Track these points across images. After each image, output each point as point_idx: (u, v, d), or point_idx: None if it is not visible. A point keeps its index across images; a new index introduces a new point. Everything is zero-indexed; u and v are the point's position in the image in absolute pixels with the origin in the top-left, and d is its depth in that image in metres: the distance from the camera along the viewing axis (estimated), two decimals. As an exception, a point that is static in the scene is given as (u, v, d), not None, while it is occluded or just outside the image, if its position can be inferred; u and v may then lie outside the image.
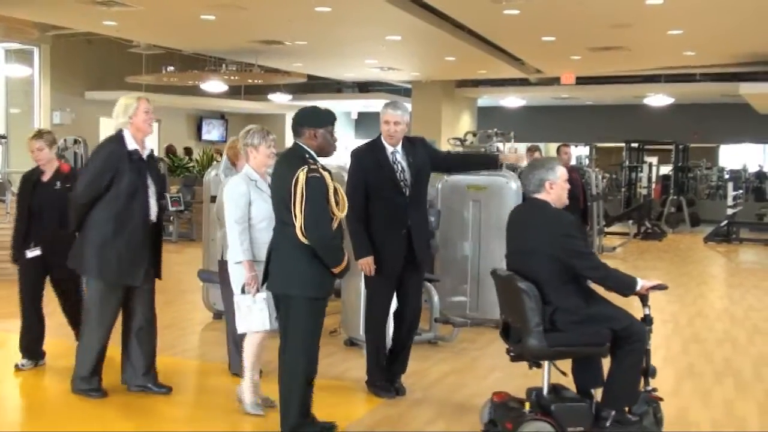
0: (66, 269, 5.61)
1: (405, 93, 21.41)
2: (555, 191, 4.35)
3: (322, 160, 4.28)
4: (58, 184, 5.66)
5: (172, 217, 13.26)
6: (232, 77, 17.06)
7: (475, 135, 13.89)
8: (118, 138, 5.00)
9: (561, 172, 4.37)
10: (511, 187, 7.19)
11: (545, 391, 4.33)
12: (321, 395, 4.39)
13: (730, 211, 16.41)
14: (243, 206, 4.73)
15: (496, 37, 13.91)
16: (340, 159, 6.03)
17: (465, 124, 21.38)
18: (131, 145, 4.99)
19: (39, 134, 5.70)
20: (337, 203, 4.13)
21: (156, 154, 5.73)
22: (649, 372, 4.35)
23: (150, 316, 5.22)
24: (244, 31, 13.21)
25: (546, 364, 4.31)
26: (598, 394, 4.38)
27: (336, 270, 4.18)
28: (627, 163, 19.34)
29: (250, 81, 17.71)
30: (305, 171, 4.06)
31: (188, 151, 20.09)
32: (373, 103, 22.10)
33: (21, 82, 16.96)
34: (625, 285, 4.26)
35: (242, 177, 4.84)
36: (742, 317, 8.34)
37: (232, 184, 4.84)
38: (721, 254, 14.71)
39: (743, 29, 12.30)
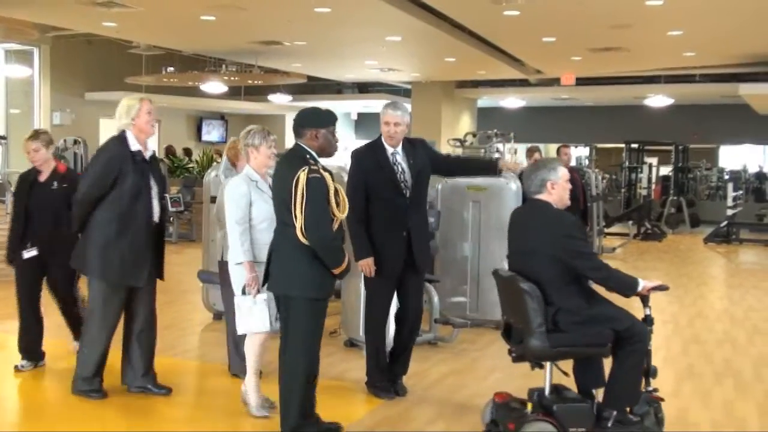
0: (62, 269, 5.62)
1: (405, 94, 21.42)
2: (557, 192, 4.35)
3: (323, 161, 4.28)
4: (55, 184, 5.65)
5: (171, 218, 13.26)
6: (232, 78, 17.06)
7: (474, 136, 13.90)
8: (121, 139, 5.00)
9: (562, 173, 4.38)
10: (511, 188, 7.18)
11: (547, 392, 4.33)
12: (321, 396, 4.39)
13: (730, 212, 16.41)
14: (244, 207, 4.72)
15: (496, 38, 13.92)
16: (340, 160, 6.03)
17: (465, 124, 21.39)
18: (134, 146, 4.99)
19: (35, 135, 5.67)
20: (337, 204, 4.13)
21: (157, 155, 5.72)
22: (650, 372, 4.35)
23: (150, 318, 5.23)
24: (244, 32, 13.22)
25: (548, 364, 4.32)
26: (599, 394, 4.39)
27: (336, 271, 4.17)
28: (627, 163, 19.34)
29: (249, 82, 17.72)
30: (306, 172, 4.06)
31: (187, 151, 20.09)
32: (373, 104, 22.11)
33: (21, 83, 16.98)
34: (626, 285, 4.26)
35: (243, 178, 4.84)
36: (742, 318, 8.34)
37: (233, 185, 4.84)
38: (721, 255, 14.71)
39: (743, 30, 12.31)
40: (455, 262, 7.38)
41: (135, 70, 17.15)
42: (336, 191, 4.13)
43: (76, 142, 13.43)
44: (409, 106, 18.17)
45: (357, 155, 5.25)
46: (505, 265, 4.60)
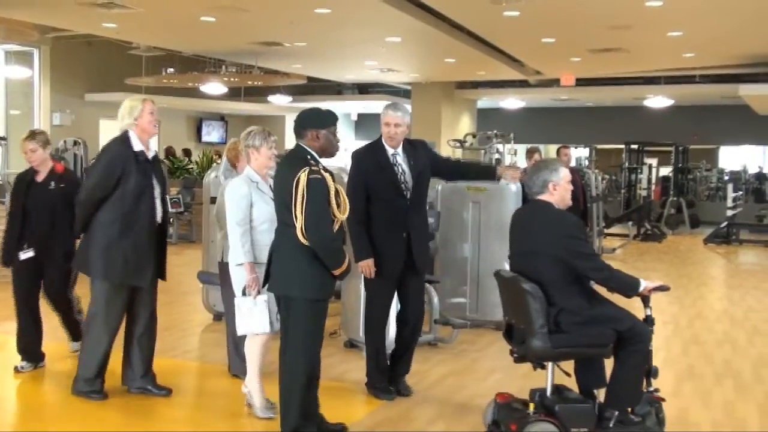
0: (57, 271, 5.63)
1: (405, 94, 21.42)
2: (558, 192, 4.35)
3: (325, 162, 4.28)
4: (53, 184, 5.64)
5: (171, 219, 13.27)
6: (232, 79, 17.07)
7: (474, 136, 13.93)
8: (124, 139, 5.00)
9: (564, 174, 4.38)
10: (511, 188, 7.18)
11: (549, 392, 4.33)
12: (321, 397, 4.39)
13: (729, 213, 16.42)
14: (244, 208, 4.72)
15: (495, 39, 13.92)
16: (340, 160, 6.02)
17: (465, 125, 21.39)
18: (137, 146, 5.00)
19: (32, 135, 5.65)
20: (338, 205, 4.12)
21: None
22: (651, 373, 4.36)
23: (151, 320, 5.23)
24: (244, 33, 13.22)
25: (550, 365, 4.32)
26: (600, 394, 4.39)
27: (337, 272, 4.17)
28: (627, 164, 19.35)
29: (249, 83, 17.72)
30: (306, 172, 4.06)
31: (187, 152, 20.09)
32: (373, 105, 22.12)
33: (21, 84, 16.99)
34: (628, 286, 4.27)
35: (243, 179, 4.83)
36: (742, 318, 8.34)
37: (234, 186, 4.83)
38: (721, 256, 14.71)
39: (743, 31, 12.32)
40: (455, 263, 7.38)
41: (135, 71, 17.16)
42: (337, 192, 4.13)
43: (76, 143, 13.42)
44: (409, 107, 18.17)
45: (357, 156, 5.25)
46: (506, 266, 4.60)
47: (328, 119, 4.29)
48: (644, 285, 4.26)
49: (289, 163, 4.20)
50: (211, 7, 10.96)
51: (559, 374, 4.41)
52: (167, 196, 5.30)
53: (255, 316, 4.64)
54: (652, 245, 15.60)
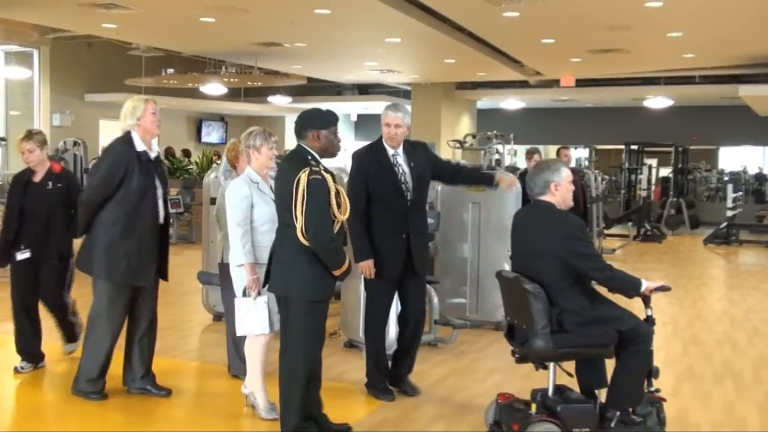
0: (53, 273, 5.63)
1: (405, 95, 21.42)
2: (560, 193, 4.35)
3: (326, 162, 4.27)
4: (50, 184, 5.63)
5: (171, 219, 13.26)
6: (232, 79, 17.06)
7: (474, 137, 13.90)
8: (126, 139, 5.00)
9: (566, 174, 4.38)
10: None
11: (550, 393, 4.34)
12: (321, 397, 4.39)
13: (729, 213, 16.42)
14: (245, 209, 4.71)
15: (495, 40, 13.92)
16: (340, 161, 6.02)
17: (465, 126, 21.39)
18: (140, 146, 5.00)
19: (29, 135, 5.62)
20: (338, 205, 4.12)
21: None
22: (652, 373, 4.36)
23: (151, 320, 5.23)
24: (244, 33, 13.22)
25: (551, 365, 4.32)
26: (601, 394, 4.39)
27: (337, 273, 4.17)
28: (626, 165, 19.33)
29: (249, 83, 17.72)
30: (307, 173, 4.05)
31: (186, 152, 20.09)
32: (373, 105, 22.12)
33: (21, 85, 16.98)
34: (630, 286, 4.27)
35: (244, 179, 4.83)
36: (742, 319, 8.34)
37: (234, 187, 4.82)
38: (721, 256, 14.71)
39: (743, 31, 12.32)
40: (455, 264, 7.37)
41: (135, 71, 17.16)
42: (337, 192, 4.13)
43: (75, 143, 13.43)
44: (409, 108, 18.18)
45: (358, 156, 5.25)
46: (506, 266, 4.60)
47: (329, 119, 4.29)
48: (646, 285, 4.26)
49: (290, 164, 4.20)
50: (210, 8, 10.95)
51: (560, 374, 4.41)
52: (167, 197, 5.30)
53: (254, 317, 4.64)
54: (652, 246, 15.61)
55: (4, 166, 13.00)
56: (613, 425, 4.23)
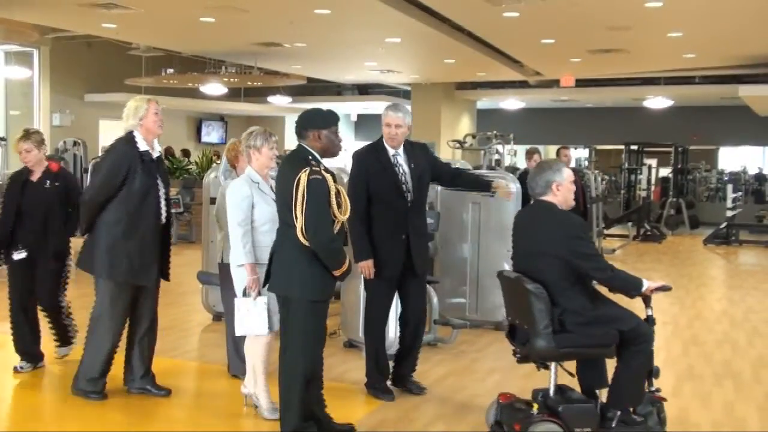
0: (48, 274, 5.61)
1: (404, 95, 21.42)
2: (561, 193, 4.35)
3: (327, 162, 4.27)
4: (48, 183, 5.62)
5: (171, 220, 13.27)
6: (232, 79, 17.07)
7: (474, 137, 13.90)
8: (129, 139, 5.00)
9: (567, 174, 4.38)
10: (511, 189, 7.16)
11: (552, 392, 4.34)
12: (321, 397, 4.40)
13: (729, 214, 16.42)
14: (245, 209, 4.71)
15: (495, 40, 13.92)
16: (340, 161, 6.03)
17: (464, 126, 21.39)
18: (142, 146, 5.00)
19: (26, 135, 5.61)
20: (339, 205, 4.12)
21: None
22: (653, 373, 4.36)
23: (152, 321, 5.23)
24: (244, 34, 13.22)
25: (553, 365, 4.32)
26: (602, 394, 4.39)
27: (337, 273, 4.17)
28: (626, 165, 19.34)
29: (249, 83, 17.72)
30: (307, 173, 4.05)
31: (186, 152, 20.09)
32: (373, 105, 22.12)
33: (21, 84, 16.98)
34: (631, 286, 4.28)
35: (244, 179, 4.83)
36: (742, 319, 8.34)
37: (235, 187, 4.82)
38: (721, 256, 14.71)
39: (743, 32, 12.32)
40: (455, 264, 7.37)
41: (135, 71, 17.16)
42: (337, 192, 4.13)
43: (75, 143, 13.45)
44: (409, 108, 18.19)
45: (358, 156, 5.25)
46: (506, 266, 4.60)
47: (330, 119, 4.29)
48: (647, 285, 4.26)
49: (291, 164, 4.20)
50: (210, 8, 10.95)
51: (560, 374, 4.41)
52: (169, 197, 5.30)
53: (253, 317, 4.63)
54: (651, 246, 15.61)
55: (4, 165, 12.99)
56: (614, 425, 4.24)
